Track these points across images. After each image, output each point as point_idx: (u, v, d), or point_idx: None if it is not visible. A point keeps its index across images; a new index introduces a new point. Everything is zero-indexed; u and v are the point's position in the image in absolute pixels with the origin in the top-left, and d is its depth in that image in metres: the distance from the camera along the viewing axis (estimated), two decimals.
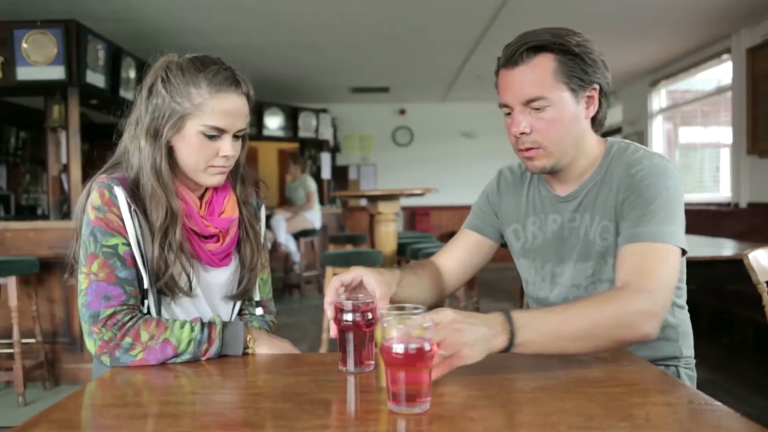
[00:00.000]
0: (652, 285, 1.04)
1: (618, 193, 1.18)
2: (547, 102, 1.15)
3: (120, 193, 1.14)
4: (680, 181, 1.17)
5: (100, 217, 1.13)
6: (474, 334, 0.90)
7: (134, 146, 1.19)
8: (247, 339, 1.18)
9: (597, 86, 1.18)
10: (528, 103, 1.16)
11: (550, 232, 1.28)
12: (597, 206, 1.21)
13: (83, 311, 1.11)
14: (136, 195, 1.17)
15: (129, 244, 1.14)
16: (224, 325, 1.17)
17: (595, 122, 1.23)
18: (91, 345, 1.11)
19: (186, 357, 1.11)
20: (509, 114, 1.20)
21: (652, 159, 1.18)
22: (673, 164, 1.19)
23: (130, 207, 1.15)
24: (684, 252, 1.13)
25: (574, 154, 1.21)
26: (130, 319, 1.11)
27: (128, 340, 1.09)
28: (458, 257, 1.40)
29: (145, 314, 1.16)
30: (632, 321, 1.01)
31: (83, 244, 1.15)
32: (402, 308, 0.94)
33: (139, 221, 1.15)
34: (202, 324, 1.14)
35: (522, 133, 1.18)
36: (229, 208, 1.28)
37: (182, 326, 1.12)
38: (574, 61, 1.15)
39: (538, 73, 1.15)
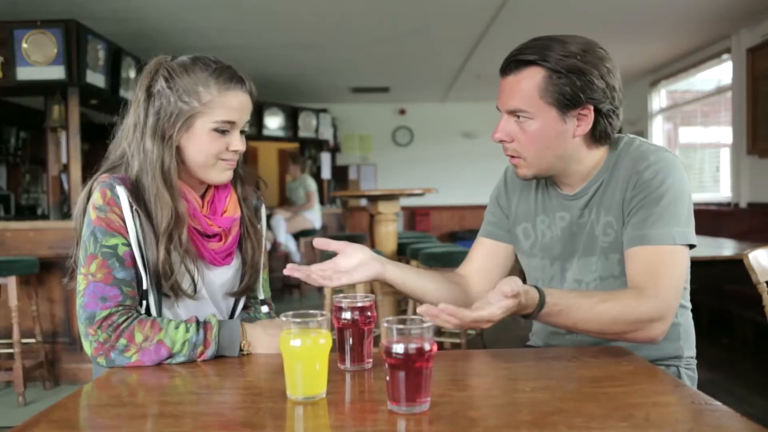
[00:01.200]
0: (664, 291, 1.08)
1: (626, 189, 1.18)
2: (529, 115, 1.16)
3: (122, 193, 1.14)
4: (686, 175, 1.18)
5: (101, 216, 1.13)
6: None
7: (135, 149, 1.18)
8: (242, 344, 1.15)
9: (591, 107, 1.15)
10: (512, 113, 1.18)
11: (559, 229, 1.28)
12: (603, 202, 1.22)
13: (80, 312, 1.11)
14: (138, 196, 1.16)
15: (129, 245, 1.14)
16: (221, 325, 1.14)
17: (593, 137, 1.19)
18: (87, 346, 1.10)
19: (181, 359, 1.10)
20: None
21: (658, 153, 1.17)
22: (678, 157, 1.19)
23: (131, 206, 1.14)
24: (692, 246, 1.15)
25: (561, 167, 1.22)
26: (126, 320, 1.10)
27: (123, 341, 1.08)
28: (479, 265, 1.39)
29: (141, 314, 1.14)
30: (644, 327, 1.06)
31: (83, 244, 1.14)
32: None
33: (140, 222, 1.15)
34: (198, 324, 1.12)
35: (502, 141, 1.21)
36: (231, 206, 1.28)
37: (177, 327, 1.11)
38: (564, 80, 1.12)
39: (523, 87, 1.15)
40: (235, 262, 1.30)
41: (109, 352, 1.08)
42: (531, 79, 1.14)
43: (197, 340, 1.10)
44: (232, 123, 1.18)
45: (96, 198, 1.14)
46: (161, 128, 1.16)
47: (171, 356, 1.10)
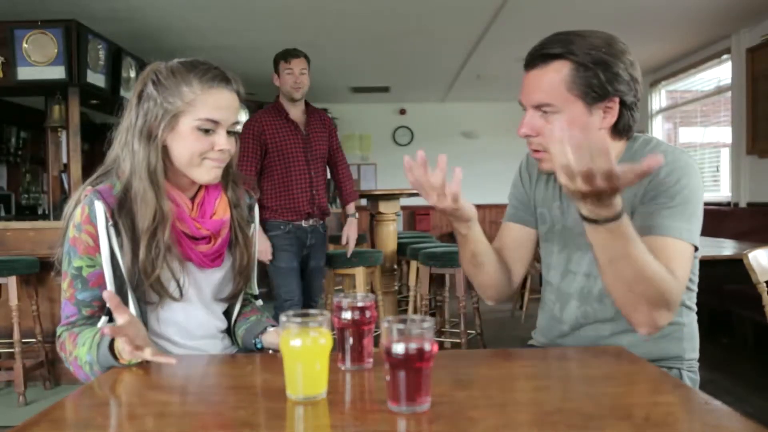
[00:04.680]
0: (681, 282, 1.07)
1: (640, 187, 1.17)
2: (556, 109, 1.14)
3: (99, 208, 1.15)
4: (701, 179, 1.17)
5: (75, 236, 1.16)
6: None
7: (126, 151, 1.19)
8: (117, 354, 1.06)
9: (617, 99, 1.15)
10: (538, 107, 1.17)
11: (571, 220, 1.29)
12: None
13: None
14: (123, 204, 1.17)
15: (95, 265, 1.16)
16: (99, 346, 1.09)
17: (617, 130, 1.20)
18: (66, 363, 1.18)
19: (94, 375, 1.09)
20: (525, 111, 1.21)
21: (675, 154, 1.17)
22: (694, 161, 1.19)
23: (107, 222, 1.15)
24: (696, 249, 1.14)
25: None
26: (64, 332, 1.17)
27: (62, 354, 1.17)
28: (509, 254, 1.38)
29: (78, 327, 1.17)
30: (659, 305, 1.03)
31: (63, 259, 1.19)
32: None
33: (118, 234, 1.16)
34: (92, 343, 1.10)
35: (527, 135, 1.19)
36: (221, 209, 1.29)
37: (83, 344, 1.11)
38: (590, 72, 1.12)
39: (550, 80, 1.14)
40: (226, 264, 1.31)
41: (65, 362, 1.16)
42: (557, 73, 1.13)
43: (91, 359, 1.09)
44: (216, 122, 1.18)
45: (76, 214, 1.17)
46: (147, 129, 1.18)
47: (86, 375, 1.12)
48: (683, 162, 1.16)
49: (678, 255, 1.09)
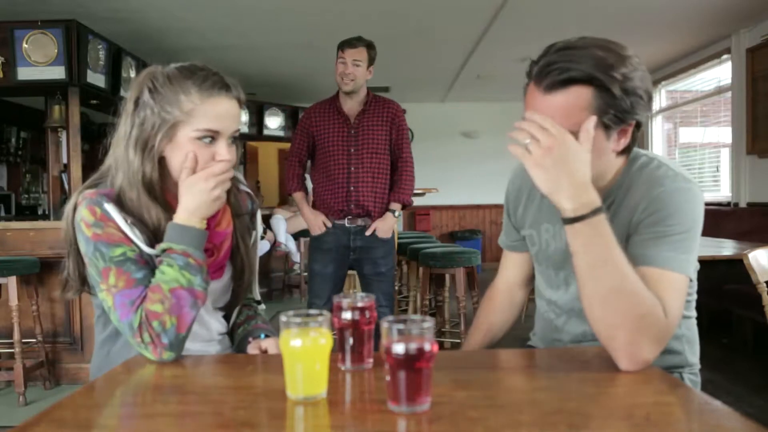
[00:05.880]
0: (672, 320, 1.02)
1: (635, 212, 1.12)
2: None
3: (112, 209, 1.11)
4: (703, 205, 1.11)
5: (98, 232, 1.10)
6: (562, 168, 1.00)
7: (121, 160, 1.15)
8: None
9: (634, 122, 1.09)
10: None
11: (564, 242, 1.21)
12: (611, 222, 1.11)
13: (121, 327, 1.10)
14: (123, 209, 1.14)
15: (135, 250, 1.12)
16: (174, 233, 1.11)
17: (623, 150, 1.13)
18: (147, 355, 1.08)
19: (198, 283, 1.09)
20: None
21: (675, 181, 1.10)
22: (696, 185, 1.12)
23: (126, 220, 1.12)
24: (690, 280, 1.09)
25: (593, 180, 1.11)
26: (139, 312, 1.08)
27: (155, 323, 1.06)
28: (515, 278, 1.47)
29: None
30: (640, 333, 0.97)
31: (91, 261, 1.12)
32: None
33: (139, 230, 1.13)
34: (167, 253, 1.10)
35: None
36: (224, 221, 1.25)
37: (163, 272, 1.09)
38: (614, 98, 1.04)
39: (573, 106, 1.04)
40: (227, 275, 1.29)
41: (160, 344, 1.06)
42: (581, 99, 1.04)
43: (182, 261, 1.08)
44: (216, 132, 1.14)
45: (86, 215, 1.11)
46: (144, 139, 1.13)
47: (190, 290, 1.08)
48: (685, 188, 1.10)
49: (673, 288, 1.03)
